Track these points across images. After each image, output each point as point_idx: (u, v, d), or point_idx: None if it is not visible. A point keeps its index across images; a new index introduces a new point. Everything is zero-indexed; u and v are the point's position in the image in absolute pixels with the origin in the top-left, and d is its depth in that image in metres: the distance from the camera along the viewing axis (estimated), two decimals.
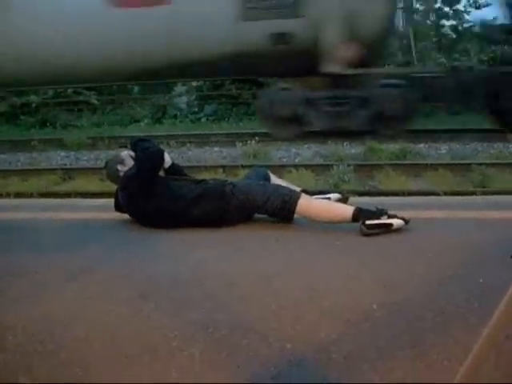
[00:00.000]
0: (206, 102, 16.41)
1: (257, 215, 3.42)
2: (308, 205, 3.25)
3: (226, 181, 3.57)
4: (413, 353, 1.89)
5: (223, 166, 7.62)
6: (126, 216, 3.61)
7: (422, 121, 13.08)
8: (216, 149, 9.60)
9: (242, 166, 7.58)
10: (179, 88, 17.01)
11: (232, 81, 14.72)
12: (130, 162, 3.59)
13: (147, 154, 3.44)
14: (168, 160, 3.60)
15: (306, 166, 7.36)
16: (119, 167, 3.61)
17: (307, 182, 6.59)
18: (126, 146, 3.66)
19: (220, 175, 6.96)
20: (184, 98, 17.04)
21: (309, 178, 6.89)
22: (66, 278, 2.71)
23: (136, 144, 3.53)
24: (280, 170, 7.29)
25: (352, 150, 8.88)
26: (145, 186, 3.36)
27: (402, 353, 1.89)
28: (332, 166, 7.10)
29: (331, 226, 3.22)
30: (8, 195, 6.66)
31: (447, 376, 1.70)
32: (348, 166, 6.92)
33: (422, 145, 9.15)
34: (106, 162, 3.79)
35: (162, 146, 3.72)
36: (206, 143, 10.27)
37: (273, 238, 3.11)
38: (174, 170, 3.65)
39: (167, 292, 2.44)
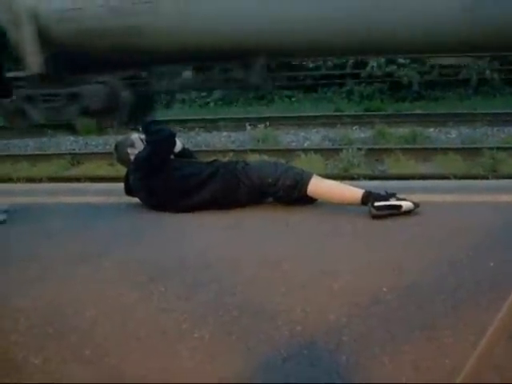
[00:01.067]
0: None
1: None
2: (319, 185, 3.24)
3: (238, 160, 3.57)
4: (423, 335, 1.89)
5: (232, 151, 7.60)
6: (136, 200, 3.61)
7: (431, 105, 13.00)
8: (224, 133, 9.58)
9: (251, 150, 7.57)
10: (186, 73, 16.94)
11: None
12: (141, 145, 3.58)
13: (159, 137, 3.44)
14: (179, 144, 3.60)
15: (315, 151, 7.33)
16: (129, 150, 3.61)
17: (316, 166, 6.56)
18: (137, 129, 3.66)
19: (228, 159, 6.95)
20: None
21: (318, 162, 6.86)
22: (77, 262, 2.72)
23: (148, 126, 3.53)
24: (289, 154, 7.28)
25: (361, 134, 8.83)
26: (156, 168, 3.37)
27: (412, 335, 1.89)
28: (341, 149, 7.07)
29: (341, 208, 3.21)
30: (18, 180, 6.68)
31: (458, 358, 1.70)
32: (358, 149, 6.88)
33: (431, 129, 9.07)
34: (116, 145, 3.79)
35: None
36: (215, 128, 10.25)
37: (283, 221, 3.11)
38: (185, 154, 3.65)
39: (177, 275, 2.45)
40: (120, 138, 4.13)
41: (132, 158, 3.57)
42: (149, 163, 3.39)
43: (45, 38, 10.60)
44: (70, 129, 10.91)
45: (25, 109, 11.33)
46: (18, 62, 11.36)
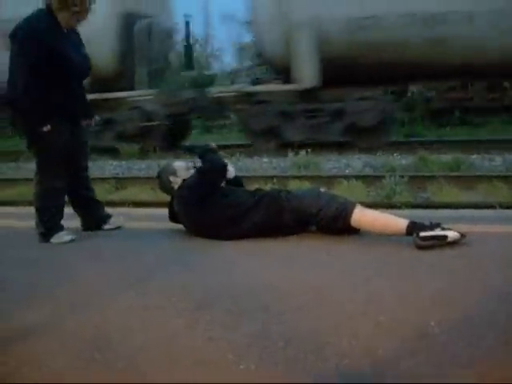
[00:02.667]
0: None
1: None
2: (363, 215, 3.23)
3: (281, 189, 3.60)
4: (473, 373, 1.85)
5: (273, 177, 7.63)
6: (180, 226, 3.66)
7: (474, 130, 12.81)
8: (265, 159, 9.62)
9: (293, 177, 7.58)
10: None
11: None
12: (183, 173, 3.65)
13: (213, 167, 3.50)
14: (232, 171, 3.67)
15: (357, 177, 7.30)
16: (171, 178, 3.67)
17: (358, 193, 6.53)
18: (189, 150, 3.72)
19: (270, 185, 6.96)
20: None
21: (360, 189, 6.82)
22: (122, 287, 2.77)
23: (203, 154, 3.59)
24: (331, 181, 7.26)
25: (403, 160, 8.75)
26: (205, 197, 3.41)
27: (461, 372, 1.85)
28: (383, 177, 7.02)
29: (385, 239, 3.19)
30: None
31: None
32: (401, 177, 6.81)
33: (474, 156, 8.93)
34: (159, 173, 3.86)
35: None
36: (256, 153, 10.29)
37: (326, 250, 3.11)
38: (236, 181, 3.70)
39: (222, 303, 2.46)
40: (162, 165, 4.19)
41: (174, 186, 3.64)
42: (199, 191, 3.44)
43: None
44: (113, 153, 11.09)
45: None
46: None
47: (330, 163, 8.93)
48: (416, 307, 2.32)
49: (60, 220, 3.76)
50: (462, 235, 3.05)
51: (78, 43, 3.72)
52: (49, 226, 3.69)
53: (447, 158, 8.54)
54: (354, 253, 3.07)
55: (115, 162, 10.42)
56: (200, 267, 2.99)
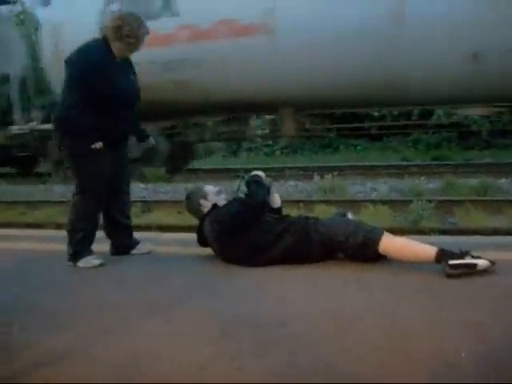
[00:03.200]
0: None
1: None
2: (391, 243, 3.22)
3: (309, 216, 3.60)
4: None
5: (299, 201, 7.62)
6: (208, 250, 3.67)
7: (501, 153, 12.69)
8: (291, 182, 9.63)
9: (319, 201, 7.55)
10: (254, 121, 17.23)
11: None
12: (213, 198, 3.69)
13: (256, 200, 3.53)
14: (278, 201, 3.78)
15: (383, 202, 7.25)
16: (202, 201, 3.70)
17: (385, 218, 6.48)
18: (243, 177, 3.77)
19: (296, 210, 6.96)
20: (259, 131, 17.25)
21: (386, 214, 6.77)
22: (149, 312, 2.78)
23: (250, 184, 3.63)
24: (357, 205, 7.22)
25: (429, 184, 8.67)
26: (241, 227, 3.44)
27: None
28: (410, 201, 6.96)
29: (413, 267, 3.16)
30: None
31: None
32: (429, 202, 6.75)
33: (502, 179, 8.82)
34: (189, 195, 3.89)
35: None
36: (281, 176, 10.31)
37: (353, 278, 3.09)
38: (278, 210, 3.77)
39: (250, 331, 2.46)
40: (191, 188, 4.22)
41: (204, 209, 3.66)
42: (238, 221, 3.46)
43: None
44: (140, 176, 11.20)
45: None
46: None
47: (356, 187, 8.89)
48: (445, 338, 2.29)
49: (90, 244, 3.81)
50: (492, 263, 3.01)
51: (128, 72, 3.82)
52: (77, 249, 3.75)
53: (474, 181, 8.45)
54: (382, 281, 3.05)
55: (142, 185, 10.52)
56: (227, 294, 3.00)
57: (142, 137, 4.11)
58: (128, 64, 3.84)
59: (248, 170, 4.01)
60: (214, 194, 3.73)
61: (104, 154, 3.65)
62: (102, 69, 3.58)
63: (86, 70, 3.56)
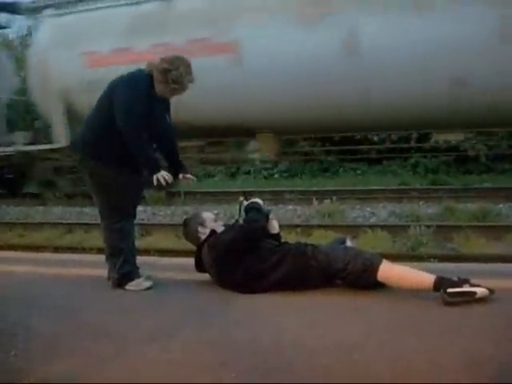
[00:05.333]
0: (280, 158, 16.61)
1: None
2: (389, 270, 3.21)
3: (307, 243, 3.60)
4: None
5: (298, 226, 7.61)
6: (205, 276, 3.67)
7: (500, 178, 12.71)
8: (290, 207, 9.63)
9: (318, 226, 7.55)
10: (253, 144, 17.29)
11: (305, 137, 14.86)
12: (210, 224, 3.68)
13: (252, 229, 3.52)
14: (276, 227, 3.75)
15: (382, 227, 7.25)
16: (199, 228, 3.70)
17: (383, 243, 6.48)
18: (245, 199, 3.75)
19: (294, 234, 6.96)
20: (258, 154, 17.30)
21: (385, 239, 6.77)
22: (147, 341, 2.77)
23: (249, 211, 3.63)
24: (355, 230, 7.22)
25: (428, 209, 8.68)
26: (239, 253, 3.44)
27: None
28: (409, 226, 6.97)
29: (411, 295, 3.16)
30: (90, 250, 6.88)
31: None
32: (427, 227, 6.75)
33: (501, 205, 8.82)
34: (186, 221, 3.87)
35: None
36: (280, 200, 10.31)
37: (352, 305, 3.08)
38: (276, 237, 3.75)
39: (247, 360, 2.45)
40: (190, 214, 4.21)
41: (202, 236, 3.66)
42: (236, 247, 3.46)
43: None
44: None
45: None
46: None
47: (355, 211, 8.89)
48: (446, 367, 2.28)
49: (136, 266, 3.79)
50: (491, 291, 3.01)
51: (164, 111, 3.81)
52: (124, 272, 3.70)
53: (473, 206, 8.45)
54: (381, 309, 3.04)
55: (141, 208, 10.51)
56: (225, 321, 2.98)
57: (178, 170, 3.96)
58: (166, 102, 3.82)
59: (247, 193, 3.99)
60: (212, 220, 3.74)
61: (136, 177, 3.70)
62: (144, 98, 3.56)
63: (132, 98, 3.53)
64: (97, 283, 3.85)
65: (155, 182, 3.59)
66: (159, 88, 3.65)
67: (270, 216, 3.71)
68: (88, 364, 2.52)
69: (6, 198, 12.57)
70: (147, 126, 3.58)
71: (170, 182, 3.60)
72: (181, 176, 3.94)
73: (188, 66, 3.66)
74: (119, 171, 3.63)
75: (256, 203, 3.66)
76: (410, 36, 8.70)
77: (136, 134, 3.54)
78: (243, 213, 3.66)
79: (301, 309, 3.11)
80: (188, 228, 3.81)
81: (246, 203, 3.69)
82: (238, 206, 3.78)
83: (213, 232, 3.63)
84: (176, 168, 3.93)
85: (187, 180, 3.96)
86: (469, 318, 2.82)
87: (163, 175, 3.58)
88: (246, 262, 3.41)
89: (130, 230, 3.77)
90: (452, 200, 8.86)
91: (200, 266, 3.69)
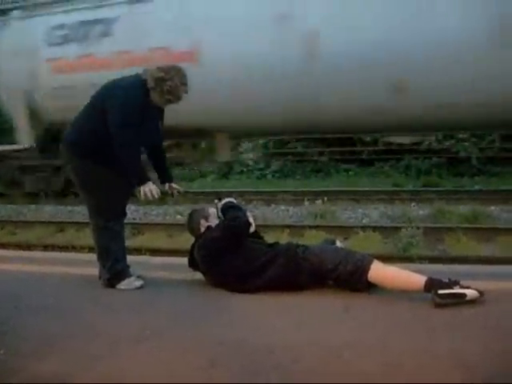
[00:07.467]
0: (272, 158, 16.60)
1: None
2: (380, 271, 3.22)
3: (299, 244, 3.61)
4: None
5: (289, 226, 7.62)
6: (198, 275, 3.67)
7: (491, 180, 12.76)
8: (282, 207, 9.63)
9: (309, 226, 7.55)
10: (246, 144, 17.29)
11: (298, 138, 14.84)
12: (213, 221, 3.68)
13: (236, 224, 3.52)
14: (253, 225, 3.69)
15: (374, 228, 7.27)
16: (202, 221, 3.70)
17: (375, 244, 6.50)
18: (219, 199, 3.75)
19: (286, 235, 6.96)
20: (250, 155, 17.30)
21: (376, 240, 6.79)
22: (138, 340, 2.76)
23: (227, 210, 3.63)
24: (347, 231, 7.23)
25: (420, 211, 8.70)
26: (225, 251, 3.43)
27: None
28: (400, 228, 6.99)
29: (402, 295, 3.17)
30: (81, 248, 6.85)
31: None
32: (418, 228, 6.77)
33: (492, 207, 8.85)
34: (191, 213, 3.87)
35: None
36: (272, 201, 10.32)
37: (342, 306, 3.09)
38: (253, 235, 3.72)
39: (237, 360, 2.45)
40: (197, 207, 4.16)
41: (201, 229, 3.66)
42: (221, 245, 3.46)
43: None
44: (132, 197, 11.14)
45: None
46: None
47: (347, 213, 8.90)
48: (435, 369, 2.29)
49: (127, 265, 3.77)
50: (481, 293, 3.02)
51: (157, 118, 3.78)
52: (114, 272, 3.69)
53: (465, 208, 8.49)
54: (371, 309, 3.05)
55: (133, 207, 10.49)
56: (216, 321, 2.99)
57: (165, 179, 4.01)
58: (159, 109, 3.79)
59: (240, 193, 4.00)
60: (214, 217, 3.73)
61: (122, 178, 3.65)
62: (139, 111, 3.53)
63: (128, 109, 3.50)
64: (88, 282, 3.84)
65: (142, 197, 3.59)
66: (154, 96, 3.63)
67: (247, 214, 3.71)
68: (78, 363, 2.52)
69: None
70: (138, 134, 3.55)
71: (156, 196, 3.59)
72: (167, 186, 3.97)
73: (183, 76, 3.64)
74: (108, 171, 3.61)
75: (232, 202, 3.69)
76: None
77: (127, 145, 3.51)
78: (221, 214, 3.67)
79: (292, 309, 3.11)
80: (192, 218, 3.80)
81: (220, 204, 3.71)
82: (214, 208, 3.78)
83: (208, 228, 3.64)
84: (163, 177, 3.97)
85: (173, 190, 3.97)
86: (459, 319, 2.83)
87: (151, 189, 3.58)
88: (235, 261, 3.41)
89: (119, 229, 3.76)
90: (444, 202, 8.88)
91: (193, 262, 3.69)
